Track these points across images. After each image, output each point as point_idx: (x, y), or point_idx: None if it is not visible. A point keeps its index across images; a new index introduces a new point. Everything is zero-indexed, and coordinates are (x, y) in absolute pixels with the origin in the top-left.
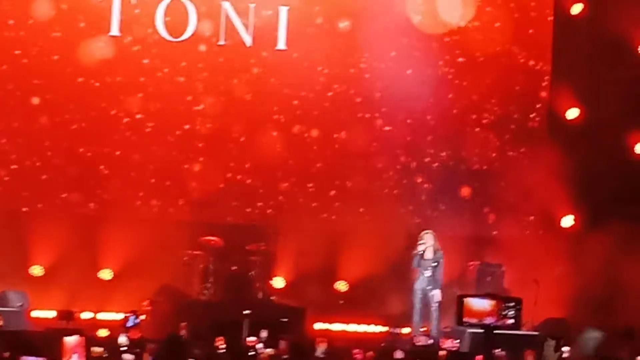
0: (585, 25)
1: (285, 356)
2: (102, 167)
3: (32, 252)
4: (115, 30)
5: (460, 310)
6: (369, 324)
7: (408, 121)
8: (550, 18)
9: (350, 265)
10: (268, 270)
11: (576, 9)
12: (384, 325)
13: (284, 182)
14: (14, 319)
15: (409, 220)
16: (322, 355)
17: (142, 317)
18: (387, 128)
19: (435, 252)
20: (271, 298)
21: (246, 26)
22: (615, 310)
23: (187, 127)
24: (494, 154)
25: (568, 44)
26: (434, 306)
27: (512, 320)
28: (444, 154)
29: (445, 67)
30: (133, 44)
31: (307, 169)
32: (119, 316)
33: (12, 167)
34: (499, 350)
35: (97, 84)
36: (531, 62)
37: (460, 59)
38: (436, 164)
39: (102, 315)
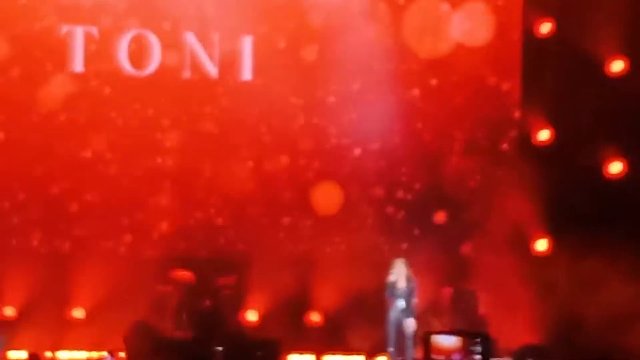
0: (554, 45)
1: None
2: (69, 205)
3: (3, 293)
4: (78, 66)
5: (427, 347)
6: (343, 354)
7: (379, 149)
8: (519, 39)
9: (323, 295)
10: (240, 303)
11: (544, 28)
12: (358, 355)
13: (253, 213)
14: None
15: (381, 249)
16: None
17: (120, 355)
18: (358, 156)
19: (407, 280)
20: (244, 332)
21: (211, 57)
22: (591, 333)
23: (154, 161)
24: (466, 179)
25: (537, 65)
26: (409, 335)
27: (479, 357)
28: (416, 182)
29: (414, 91)
30: (96, 79)
31: (277, 200)
32: (93, 355)
33: None
34: None
35: (61, 121)
36: (501, 84)
37: (430, 82)
38: (408, 192)
39: (75, 355)
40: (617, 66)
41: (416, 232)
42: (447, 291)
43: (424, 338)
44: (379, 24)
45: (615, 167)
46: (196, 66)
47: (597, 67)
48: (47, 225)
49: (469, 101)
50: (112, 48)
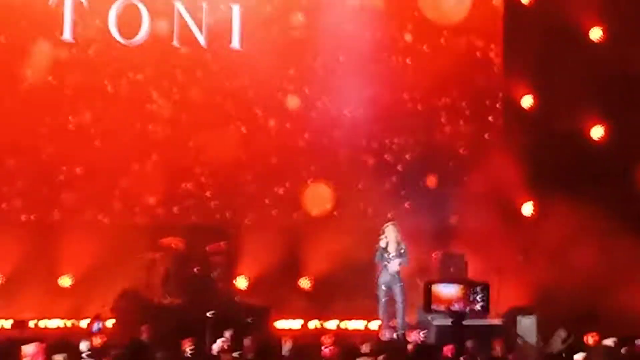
0: (536, 12)
1: (250, 356)
2: (58, 173)
3: None
4: (67, 34)
5: (428, 296)
6: (335, 319)
7: (367, 116)
8: (502, 6)
9: (313, 262)
10: (230, 270)
11: None
12: (349, 320)
13: (242, 180)
14: None
15: (371, 214)
16: (288, 354)
17: (107, 321)
18: (347, 123)
19: (397, 245)
20: (234, 298)
21: (200, 26)
22: (579, 295)
23: (143, 130)
24: (453, 145)
25: (520, 32)
26: (399, 299)
27: (480, 305)
28: (404, 149)
29: (400, 59)
30: (86, 48)
31: (266, 167)
32: (81, 322)
33: None
34: (468, 340)
35: (50, 90)
36: (485, 51)
37: (416, 50)
38: (397, 158)
39: (62, 322)
40: (597, 33)
41: (405, 197)
42: (436, 255)
43: (424, 288)
44: None
45: (597, 132)
46: (185, 35)
47: (578, 34)
48: (34, 193)
49: (453, 68)
50: (102, 17)
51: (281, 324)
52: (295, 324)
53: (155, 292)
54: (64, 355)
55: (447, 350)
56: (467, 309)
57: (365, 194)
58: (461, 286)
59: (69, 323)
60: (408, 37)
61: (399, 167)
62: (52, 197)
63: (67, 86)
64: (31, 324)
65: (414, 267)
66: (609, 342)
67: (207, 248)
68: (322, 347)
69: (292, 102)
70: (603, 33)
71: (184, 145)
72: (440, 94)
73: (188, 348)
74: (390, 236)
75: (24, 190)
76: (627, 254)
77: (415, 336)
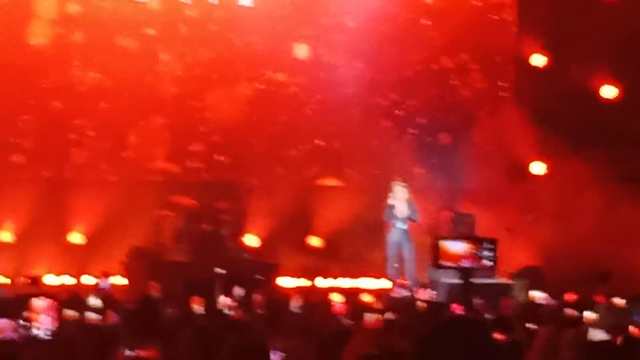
0: None
1: (260, 312)
2: (68, 130)
3: (1, 218)
4: None
5: (437, 252)
6: (344, 277)
7: (379, 76)
8: None
9: (323, 220)
10: (240, 227)
11: None
12: (358, 278)
13: (252, 138)
14: None
15: (380, 173)
16: (296, 310)
17: (114, 278)
18: (359, 81)
19: (407, 203)
20: (244, 255)
21: None
22: (589, 253)
23: (153, 87)
24: (463, 105)
25: None
26: (408, 258)
27: (488, 261)
28: (415, 108)
29: (412, 16)
30: (96, 3)
31: (276, 125)
32: (91, 279)
33: None
34: (476, 299)
35: (60, 46)
36: (497, 11)
37: (427, 8)
38: (408, 118)
39: (73, 279)
40: None
41: (416, 157)
42: (446, 214)
43: (432, 244)
44: None
45: (610, 91)
46: None
47: None
48: (45, 150)
49: (467, 28)
50: None
51: (290, 282)
52: (304, 281)
53: (165, 249)
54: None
55: (456, 307)
56: (475, 265)
57: (375, 153)
58: (469, 242)
59: (78, 279)
60: None
61: (410, 127)
62: (62, 154)
63: (77, 43)
64: (42, 280)
65: (424, 226)
66: (619, 301)
67: (217, 206)
68: (332, 304)
69: (303, 60)
70: None
71: (194, 103)
72: (453, 54)
73: (197, 305)
74: (398, 195)
75: (34, 148)
76: (638, 214)
77: (424, 294)
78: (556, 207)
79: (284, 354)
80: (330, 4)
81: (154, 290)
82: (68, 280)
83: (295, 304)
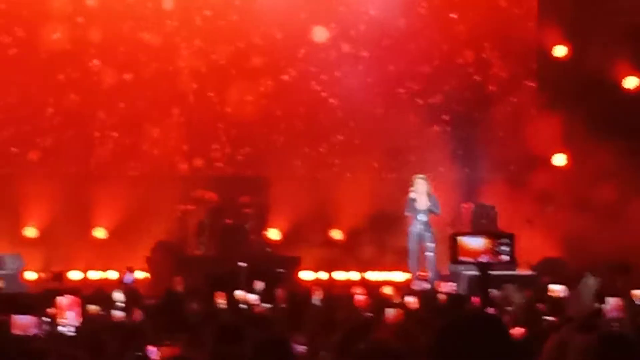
0: None
1: (282, 305)
2: (92, 126)
3: (26, 214)
4: None
5: (455, 248)
6: (365, 271)
7: (399, 65)
8: None
9: (345, 213)
10: (262, 222)
11: None
12: (380, 271)
13: (274, 132)
14: (9, 282)
15: (402, 166)
16: (318, 304)
17: (139, 273)
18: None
19: (428, 196)
20: (266, 249)
21: None
22: (610, 245)
23: (174, 82)
24: (484, 96)
25: None
26: (429, 250)
27: (506, 257)
28: (437, 101)
29: (434, 8)
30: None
31: (298, 119)
32: (115, 274)
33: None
34: (496, 291)
35: (80, 40)
36: (518, 3)
37: None
38: (430, 111)
39: (97, 274)
40: None
41: (437, 149)
42: (467, 207)
43: (451, 240)
44: None
45: (631, 81)
46: None
47: None
48: (68, 146)
49: (487, 19)
50: None
51: (311, 275)
52: (325, 274)
53: (189, 243)
54: (98, 305)
55: (477, 300)
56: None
57: (397, 146)
58: (487, 238)
59: (102, 274)
60: None
61: (432, 120)
62: (85, 150)
63: (96, 37)
64: (67, 275)
65: (445, 219)
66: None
67: (240, 200)
68: (354, 297)
69: (324, 52)
70: None
71: (215, 97)
72: (474, 45)
73: (220, 301)
74: (419, 188)
75: (57, 143)
76: None
77: (445, 286)
78: (578, 198)
79: (305, 347)
80: None
81: (178, 284)
82: (92, 275)
83: (316, 298)
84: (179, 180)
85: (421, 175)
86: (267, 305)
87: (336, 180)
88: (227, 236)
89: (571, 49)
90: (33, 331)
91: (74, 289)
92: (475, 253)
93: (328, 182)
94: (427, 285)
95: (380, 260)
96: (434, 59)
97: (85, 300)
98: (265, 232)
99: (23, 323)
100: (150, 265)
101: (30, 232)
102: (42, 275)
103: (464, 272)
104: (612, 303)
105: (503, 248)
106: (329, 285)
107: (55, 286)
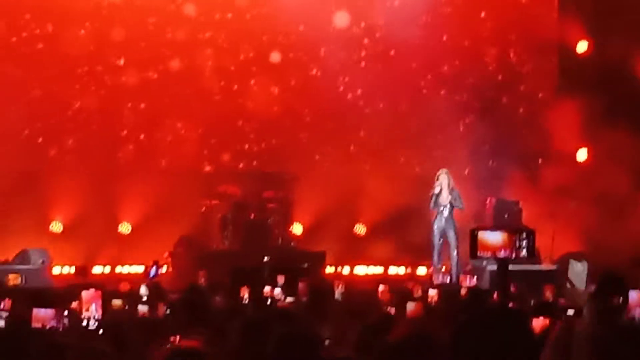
0: None
1: (304, 299)
2: (116, 121)
3: (52, 209)
4: None
5: (474, 243)
6: (388, 265)
7: (421, 61)
8: None
9: (369, 208)
10: (286, 216)
11: None
12: (403, 266)
13: (297, 128)
14: (35, 276)
15: (425, 162)
16: (341, 298)
17: (164, 267)
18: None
19: (451, 191)
20: (290, 244)
21: None
22: (632, 240)
23: (200, 79)
24: (507, 91)
25: None
26: (453, 245)
27: (526, 252)
28: (458, 95)
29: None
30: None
31: (320, 115)
32: (139, 269)
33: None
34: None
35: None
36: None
37: None
38: (451, 106)
39: (122, 268)
40: None
41: (459, 144)
42: (491, 202)
43: (470, 235)
44: None
45: None
46: None
47: None
48: (93, 141)
49: (508, 13)
50: None
51: (335, 270)
52: (349, 269)
53: (213, 238)
54: (122, 300)
55: (499, 294)
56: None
57: (421, 141)
58: (506, 233)
59: (128, 269)
60: None
61: (456, 115)
62: (111, 145)
63: (120, 34)
64: (91, 270)
65: (468, 214)
66: None
67: (263, 195)
68: (377, 291)
69: (348, 49)
70: None
71: (239, 93)
72: (497, 41)
73: (244, 296)
74: (443, 183)
75: (83, 138)
76: None
77: (468, 281)
78: (601, 194)
79: (329, 341)
80: None
81: (202, 279)
82: (117, 269)
83: (340, 292)
84: (203, 176)
85: (445, 170)
86: (291, 300)
87: (360, 175)
88: (251, 231)
89: (592, 43)
90: (52, 324)
91: (98, 283)
92: (494, 248)
93: (352, 177)
94: (448, 280)
95: (404, 255)
96: (456, 56)
97: (110, 294)
98: (289, 227)
99: (42, 316)
100: (174, 259)
101: (57, 227)
102: (68, 269)
103: (487, 267)
104: (635, 297)
105: (524, 243)
106: (353, 280)
107: (80, 280)
